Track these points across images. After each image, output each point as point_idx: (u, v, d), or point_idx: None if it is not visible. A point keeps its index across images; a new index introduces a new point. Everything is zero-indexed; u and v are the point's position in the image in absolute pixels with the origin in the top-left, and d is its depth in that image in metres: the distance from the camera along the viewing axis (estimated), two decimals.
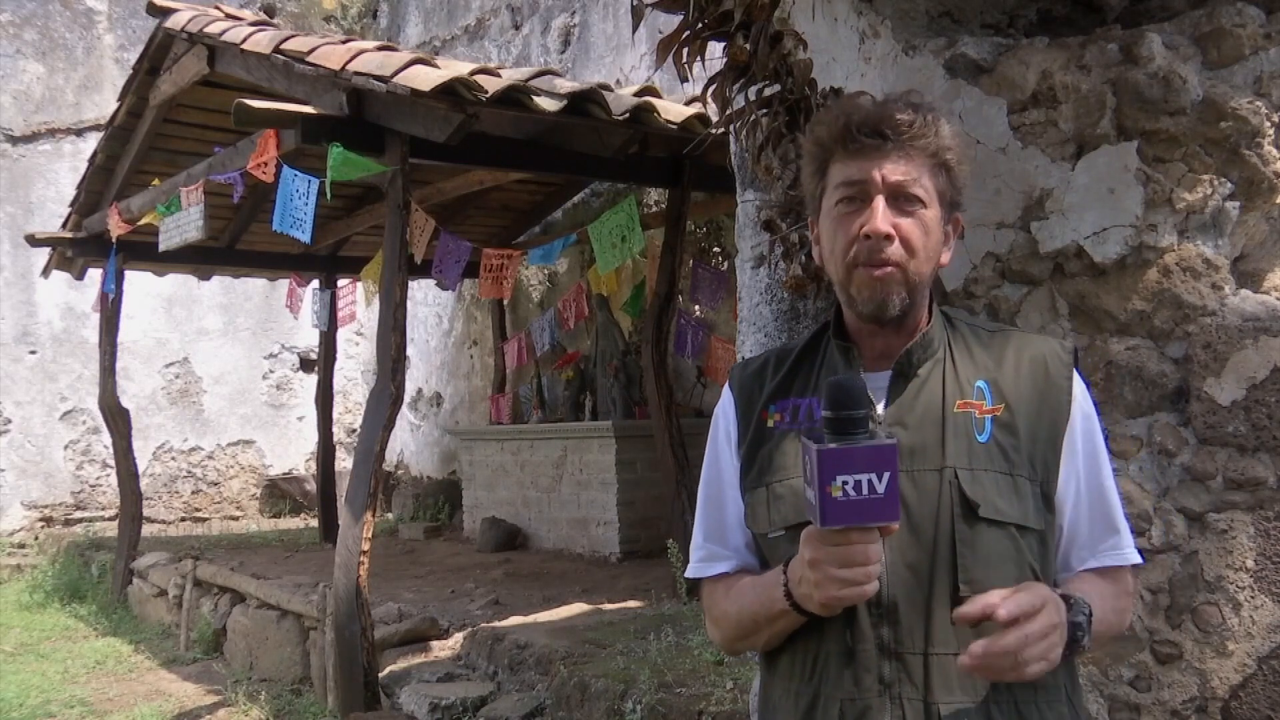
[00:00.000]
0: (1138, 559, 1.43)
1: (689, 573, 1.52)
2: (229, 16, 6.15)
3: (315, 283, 9.18)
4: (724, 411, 1.52)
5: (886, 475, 1.15)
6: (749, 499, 1.44)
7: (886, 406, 1.38)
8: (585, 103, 5.07)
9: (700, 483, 1.53)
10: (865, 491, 1.15)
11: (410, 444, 11.35)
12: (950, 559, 1.31)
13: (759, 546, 1.45)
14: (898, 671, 1.30)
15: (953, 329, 1.44)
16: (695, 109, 5.43)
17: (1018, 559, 1.32)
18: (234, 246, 8.60)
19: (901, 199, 1.34)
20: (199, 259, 8.42)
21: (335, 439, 9.43)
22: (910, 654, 1.30)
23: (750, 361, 1.55)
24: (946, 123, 1.38)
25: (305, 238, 5.23)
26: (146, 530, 8.73)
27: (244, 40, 5.52)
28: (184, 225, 6.23)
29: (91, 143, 8.82)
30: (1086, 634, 1.27)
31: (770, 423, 1.45)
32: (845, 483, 1.15)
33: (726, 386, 1.54)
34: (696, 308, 7.27)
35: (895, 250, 1.34)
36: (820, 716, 1.34)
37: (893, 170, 1.33)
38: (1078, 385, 1.41)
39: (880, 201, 1.34)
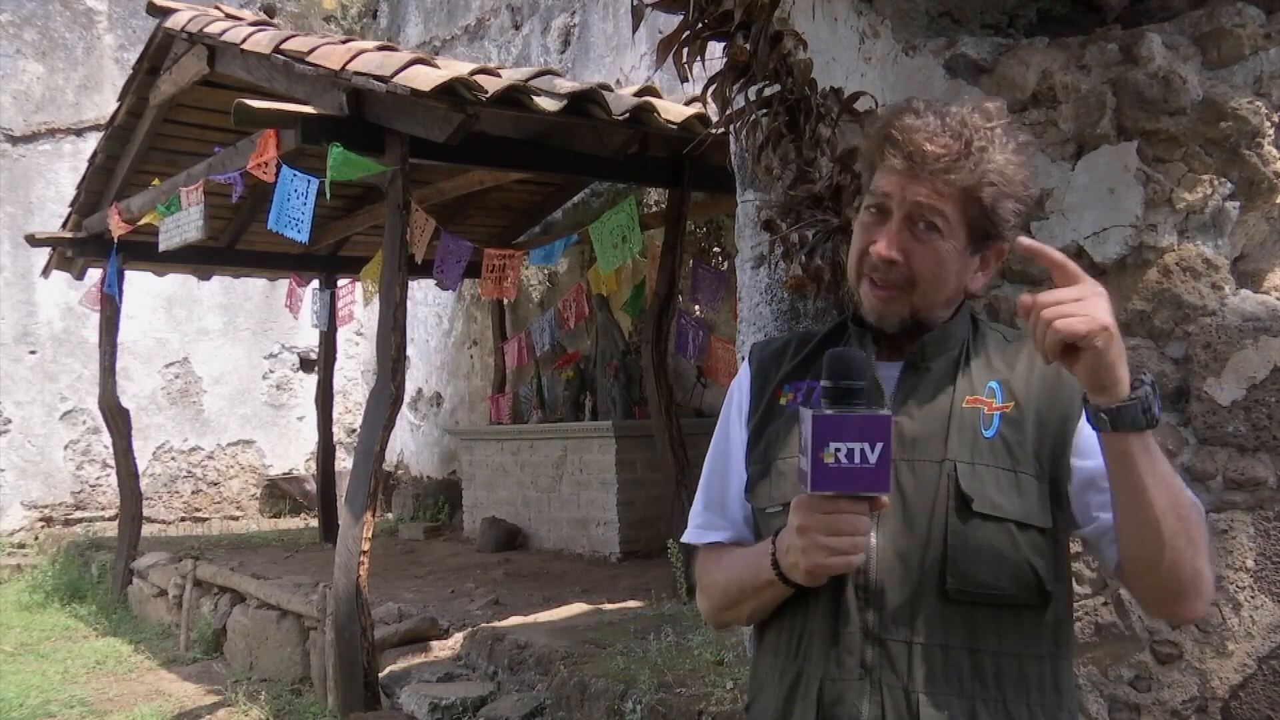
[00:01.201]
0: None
1: (685, 537, 1.54)
2: (229, 16, 6.14)
3: (315, 283, 9.18)
4: (739, 385, 1.53)
5: (880, 446, 1.16)
6: (752, 473, 1.45)
7: (896, 395, 1.38)
8: (585, 103, 5.07)
9: (708, 452, 1.54)
10: (857, 460, 1.16)
11: (410, 444, 11.35)
12: (941, 551, 1.31)
13: (756, 523, 1.45)
14: (880, 657, 1.30)
15: (976, 331, 1.44)
16: (695, 109, 5.42)
17: (1014, 556, 1.31)
18: (234, 246, 8.60)
19: (921, 223, 1.33)
20: (199, 259, 8.41)
21: (335, 439, 9.42)
22: (894, 641, 1.30)
23: (772, 341, 1.57)
24: (1003, 149, 1.32)
25: (302, 238, 5.23)
26: (146, 530, 8.73)
27: (244, 40, 5.52)
28: (184, 225, 6.22)
29: (91, 143, 8.81)
30: (1156, 400, 1.17)
31: (783, 400, 1.46)
32: (838, 450, 1.16)
33: (745, 361, 1.56)
34: (696, 308, 7.27)
35: (900, 275, 1.34)
36: (801, 695, 1.35)
37: (916, 192, 1.32)
38: None
39: (895, 222, 1.34)
